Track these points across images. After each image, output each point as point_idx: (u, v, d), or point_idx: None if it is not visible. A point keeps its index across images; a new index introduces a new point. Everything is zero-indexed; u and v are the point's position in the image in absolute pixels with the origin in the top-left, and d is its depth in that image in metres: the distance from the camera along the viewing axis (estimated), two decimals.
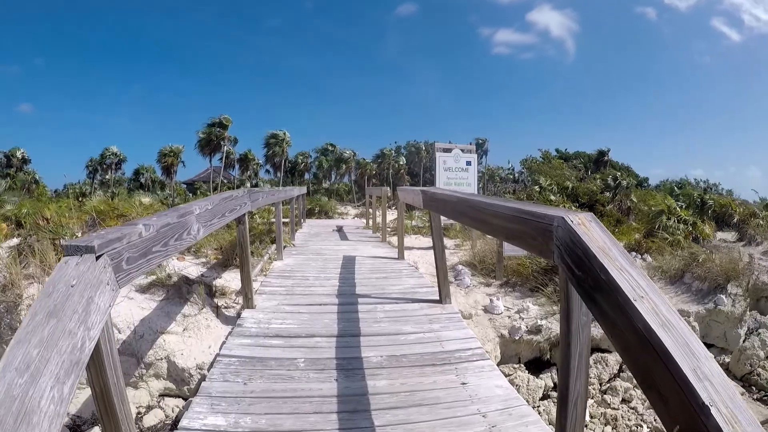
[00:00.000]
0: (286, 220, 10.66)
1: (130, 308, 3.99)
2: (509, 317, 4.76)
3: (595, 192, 14.58)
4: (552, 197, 13.26)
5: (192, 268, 5.37)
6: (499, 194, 20.60)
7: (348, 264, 6.00)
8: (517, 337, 4.54)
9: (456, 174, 9.30)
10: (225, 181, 32.28)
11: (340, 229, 11.17)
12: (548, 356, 4.83)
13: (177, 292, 4.17)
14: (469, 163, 9.46)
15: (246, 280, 3.83)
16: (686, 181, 35.20)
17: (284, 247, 7.32)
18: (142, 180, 31.55)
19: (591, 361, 5.01)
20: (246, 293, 3.86)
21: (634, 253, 7.64)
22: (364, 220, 14.13)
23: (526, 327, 4.61)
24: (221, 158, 29.36)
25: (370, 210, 12.73)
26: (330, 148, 36.01)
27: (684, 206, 11.48)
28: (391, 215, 12.28)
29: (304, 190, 13.16)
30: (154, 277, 4.38)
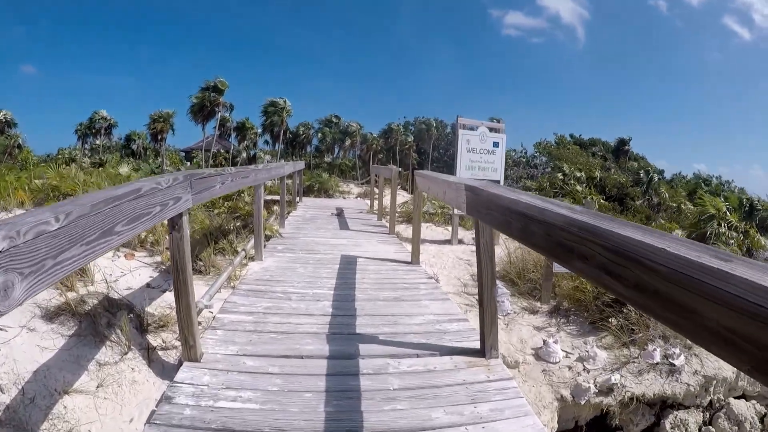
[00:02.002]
0: (277, 197, 9.26)
1: (26, 348, 2.62)
2: (569, 367, 3.40)
3: (625, 185, 13.07)
4: (578, 187, 11.78)
5: (138, 273, 3.99)
6: (517, 181, 19.02)
7: (347, 271, 4.61)
8: (582, 401, 3.19)
9: (480, 157, 7.82)
10: (223, 150, 30.64)
11: (340, 213, 9.78)
12: (616, 421, 3.51)
13: (91, 325, 2.79)
14: (496, 145, 7.96)
15: (186, 320, 2.44)
16: (701, 177, 33.41)
17: (269, 238, 5.94)
18: (134, 147, 29.78)
19: (667, 425, 3.72)
20: (186, 338, 2.48)
21: None
22: (368, 201, 12.72)
23: (596, 386, 3.26)
24: (215, 126, 27.49)
25: (375, 189, 11.29)
26: (334, 119, 34.10)
27: (731, 210, 10.10)
28: (399, 198, 10.85)
29: (301, 165, 11.70)
30: (64, 298, 3.00)
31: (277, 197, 9.54)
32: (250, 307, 3.36)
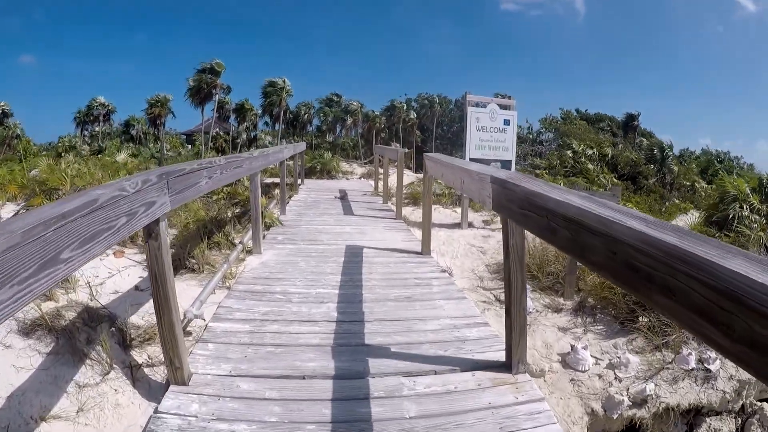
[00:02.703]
0: (277, 180, 8.86)
1: (1, 369, 2.33)
2: (600, 376, 3.08)
3: (637, 163, 12.53)
4: (590, 165, 11.28)
5: (127, 273, 3.67)
6: (524, 159, 18.45)
7: (353, 265, 4.28)
8: (615, 416, 2.88)
9: (491, 135, 7.39)
10: (222, 132, 30.01)
11: (343, 197, 9.41)
12: None
13: (68, 342, 2.47)
14: (507, 122, 7.50)
15: (170, 340, 2.11)
16: (709, 152, 32.53)
17: (269, 227, 5.60)
18: (133, 132, 29.19)
19: None
20: (171, 359, 2.16)
21: None
22: (372, 182, 12.33)
23: (629, 397, 2.95)
24: (214, 108, 26.74)
25: (380, 170, 10.87)
26: (335, 98, 33.25)
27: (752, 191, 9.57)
28: (404, 179, 10.43)
29: (302, 146, 11.25)
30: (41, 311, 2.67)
31: (277, 179, 9.15)
32: (246, 313, 3.03)
